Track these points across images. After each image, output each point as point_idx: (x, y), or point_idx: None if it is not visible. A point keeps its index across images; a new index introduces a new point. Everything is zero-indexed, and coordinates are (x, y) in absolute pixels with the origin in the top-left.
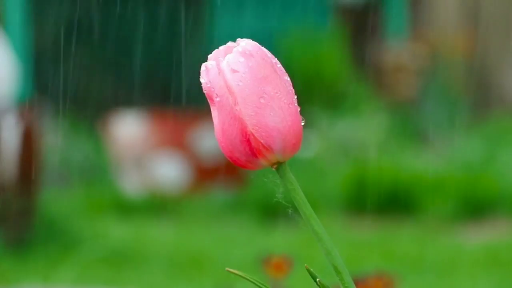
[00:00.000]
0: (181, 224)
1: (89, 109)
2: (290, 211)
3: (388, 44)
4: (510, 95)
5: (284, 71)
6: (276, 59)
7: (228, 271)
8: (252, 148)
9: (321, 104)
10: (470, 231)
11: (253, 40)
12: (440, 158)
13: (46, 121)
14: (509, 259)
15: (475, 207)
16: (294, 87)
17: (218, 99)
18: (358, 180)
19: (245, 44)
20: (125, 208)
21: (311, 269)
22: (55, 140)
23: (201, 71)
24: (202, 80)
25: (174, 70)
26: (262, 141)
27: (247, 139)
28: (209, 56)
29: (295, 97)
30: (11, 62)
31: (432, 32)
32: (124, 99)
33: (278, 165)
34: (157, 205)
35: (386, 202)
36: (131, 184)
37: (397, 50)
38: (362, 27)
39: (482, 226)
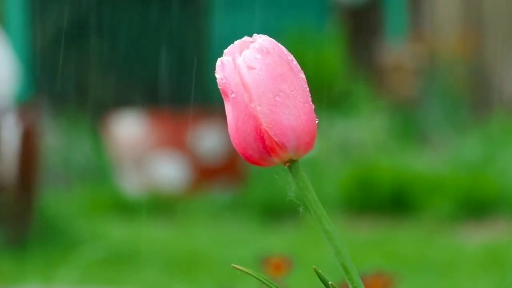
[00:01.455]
0: (181, 224)
1: (89, 109)
2: (301, 209)
3: (388, 44)
4: (510, 95)
5: (300, 68)
6: (292, 56)
7: (234, 267)
8: (266, 145)
9: (321, 104)
10: (470, 231)
11: None
12: (440, 158)
13: (46, 121)
14: (509, 259)
15: (475, 207)
16: None
17: (233, 95)
18: (358, 180)
19: (262, 40)
20: (125, 208)
21: (320, 271)
22: (55, 140)
23: (216, 66)
24: (217, 75)
25: (175, 70)
26: (276, 139)
27: (261, 136)
28: (225, 51)
29: (310, 95)
30: (11, 62)
31: (432, 33)
32: (124, 99)
33: (291, 163)
34: (157, 205)
35: (386, 202)
36: (131, 184)
37: (397, 50)
38: (362, 27)
39: (482, 226)
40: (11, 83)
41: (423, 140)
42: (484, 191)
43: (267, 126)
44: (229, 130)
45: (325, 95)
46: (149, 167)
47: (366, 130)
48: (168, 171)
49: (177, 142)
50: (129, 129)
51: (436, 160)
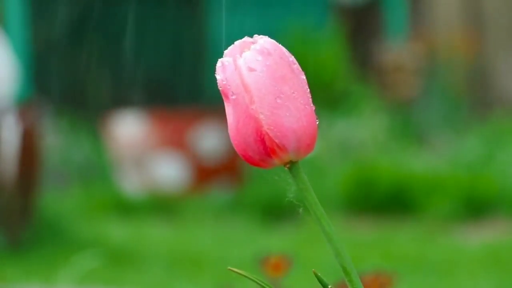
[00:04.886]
0: (181, 224)
1: (89, 109)
2: (300, 210)
3: (388, 44)
4: (510, 95)
5: (301, 70)
6: (293, 57)
7: (230, 270)
8: (266, 147)
9: (321, 104)
10: (470, 231)
11: None
12: (440, 158)
13: (46, 121)
14: (509, 259)
15: (475, 207)
16: None
17: (233, 97)
18: (358, 180)
19: (263, 41)
20: (125, 208)
21: (319, 274)
22: (55, 140)
23: (217, 67)
24: (217, 76)
25: (174, 70)
26: (277, 141)
27: (261, 138)
28: (225, 52)
29: (310, 96)
30: (11, 62)
31: (432, 32)
32: (124, 99)
33: (291, 165)
34: (157, 205)
35: (386, 202)
36: (131, 184)
37: (397, 50)
38: (362, 27)
39: (482, 226)
40: (11, 83)
41: (423, 140)
42: (484, 191)
43: (268, 128)
44: (229, 131)
45: (325, 95)
46: (149, 167)
47: (366, 130)
48: (168, 171)
49: (177, 142)
50: (129, 129)
51: (436, 160)
